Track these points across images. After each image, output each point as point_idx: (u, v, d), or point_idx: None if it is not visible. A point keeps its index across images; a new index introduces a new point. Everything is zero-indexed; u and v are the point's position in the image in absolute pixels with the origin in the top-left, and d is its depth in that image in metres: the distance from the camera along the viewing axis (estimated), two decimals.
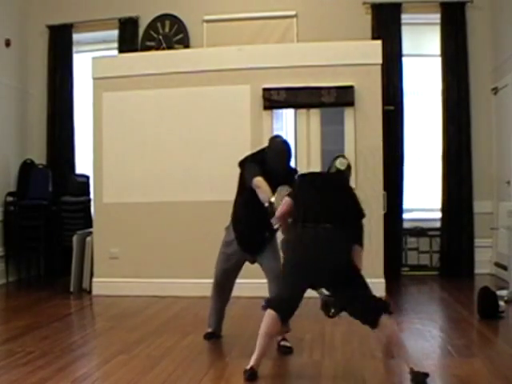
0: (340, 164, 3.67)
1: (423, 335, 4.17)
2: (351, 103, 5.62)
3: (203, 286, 4.58)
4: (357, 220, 3.46)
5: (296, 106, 5.78)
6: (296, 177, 3.77)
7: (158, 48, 7.03)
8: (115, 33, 7.16)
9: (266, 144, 3.98)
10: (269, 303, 3.32)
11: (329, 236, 3.30)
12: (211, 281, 4.12)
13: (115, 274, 5.84)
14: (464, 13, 6.68)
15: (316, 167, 5.47)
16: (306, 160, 5.68)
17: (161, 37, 7.11)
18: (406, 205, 6.78)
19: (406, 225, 6.79)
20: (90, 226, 6.17)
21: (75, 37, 7.31)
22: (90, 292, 5.93)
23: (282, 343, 3.81)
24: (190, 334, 4.22)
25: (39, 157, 7.20)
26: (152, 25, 7.13)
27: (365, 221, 3.49)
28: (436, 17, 6.73)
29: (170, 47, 7.03)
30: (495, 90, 6.63)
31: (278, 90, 5.69)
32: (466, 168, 6.65)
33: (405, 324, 4.44)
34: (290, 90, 5.67)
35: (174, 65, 5.92)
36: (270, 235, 3.90)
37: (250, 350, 3.30)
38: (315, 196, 3.45)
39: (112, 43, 7.24)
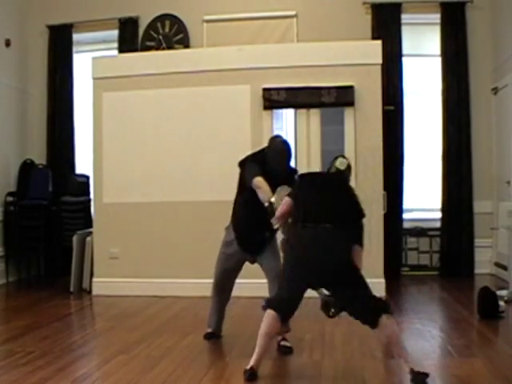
0: (340, 164, 3.67)
1: (423, 335, 4.17)
2: (351, 103, 5.62)
3: (203, 285, 4.59)
4: (357, 220, 3.46)
5: (296, 105, 5.77)
6: (296, 177, 3.77)
7: (158, 48, 7.03)
8: (115, 33, 7.16)
9: (266, 144, 3.98)
10: (269, 303, 3.32)
11: (329, 236, 3.30)
12: (211, 281, 4.12)
13: (115, 274, 5.84)
14: (464, 13, 6.68)
15: (316, 167, 5.47)
16: (306, 160, 5.68)
17: (161, 37, 7.11)
18: (405, 205, 6.78)
19: (406, 225, 6.79)
20: (90, 226, 6.17)
21: (75, 37, 7.31)
22: (90, 292, 5.93)
23: (282, 343, 3.81)
24: (189, 334, 4.22)
25: (39, 157, 7.19)
26: (152, 25, 7.13)
27: (365, 221, 3.49)
28: (436, 17, 6.73)
29: (169, 47, 7.03)
30: (495, 90, 6.63)
31: (278, 90, 5.69)
32: (466, 168, 6.65)
33: (405, 324, 4.44)
34: (290, 90, 5.67)
35: (174, 65, 5.92)
36: (270, 235, 3.90)
37: (250, 350, 3.30)
38: (315, 196, 3.45)
39: (112, 43, 7.24)
